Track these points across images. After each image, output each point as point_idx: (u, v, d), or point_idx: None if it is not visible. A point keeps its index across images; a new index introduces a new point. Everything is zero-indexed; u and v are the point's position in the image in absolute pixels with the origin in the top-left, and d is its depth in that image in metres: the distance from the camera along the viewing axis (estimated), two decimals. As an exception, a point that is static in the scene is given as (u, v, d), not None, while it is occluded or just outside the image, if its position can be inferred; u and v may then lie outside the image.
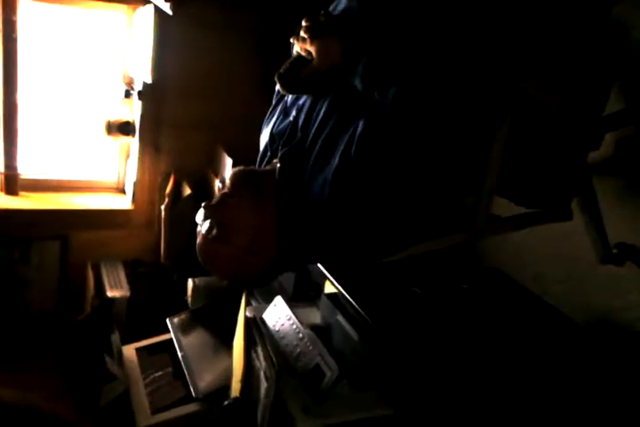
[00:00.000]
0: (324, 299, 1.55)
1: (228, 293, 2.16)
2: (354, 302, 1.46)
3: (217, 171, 2.49)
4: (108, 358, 1.87)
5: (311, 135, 1.19)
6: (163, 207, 2.41)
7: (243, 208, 1.15)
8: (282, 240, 1.16)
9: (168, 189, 2.43)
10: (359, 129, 1.07)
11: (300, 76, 1.18)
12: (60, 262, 2.48)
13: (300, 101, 1.28)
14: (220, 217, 1.15)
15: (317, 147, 1.16)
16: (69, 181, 2.63)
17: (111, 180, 2.70)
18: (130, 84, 2.53)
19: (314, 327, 1.53)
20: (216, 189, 2.44)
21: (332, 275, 1.61)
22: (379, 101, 1.07)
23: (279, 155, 1.24)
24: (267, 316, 1.59)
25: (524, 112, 1.23)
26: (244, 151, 2.33)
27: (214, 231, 1.13)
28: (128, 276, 2.46)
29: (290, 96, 1.31)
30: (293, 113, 1.28)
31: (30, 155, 2.52)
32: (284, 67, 1.20)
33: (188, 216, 2.35)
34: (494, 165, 1.29)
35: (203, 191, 2.51)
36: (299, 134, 1.23)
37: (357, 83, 1.10)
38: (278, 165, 1.23)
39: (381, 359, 1.35)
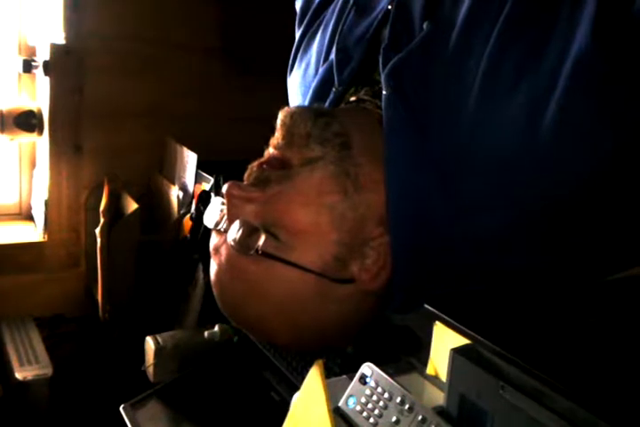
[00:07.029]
0: (458, 360, 0.81)
1: (214, 355, 1.48)
2: (535, 370, 0.74)
3: (172, 175, 1.82)
4: None
5: (462, 17, 0.62)
6: (97, 231, 1.65)
7: (315, 188, 0.61)
8: (404, 249, 0.62)
9: (102, 206, 1.69)
10: None
11: None
12: None
13: None
14: (273, 209, 0.61)
15: (494, 35, 0.58)
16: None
17: (9, 202, 2.07)
18: (30, 53, 1.82)
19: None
20: (173, 200, 1.73)
21: (444, 311, 0.91)
22: None
23: (386, 71, 0.65)
24: (349, 405, 0.84)
25: None
26: (204, 146, 1.73)
27: (261, 240, 0.59)
28: (46, 340, 1.82)
29: None
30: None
31: None
32: None
33: (135, 241, 1.74)
34: None
35: (153, 205, 1.86)
36: (425, 25, 0.65)
37: None
38: (384, 92, 0.64)
39: None
